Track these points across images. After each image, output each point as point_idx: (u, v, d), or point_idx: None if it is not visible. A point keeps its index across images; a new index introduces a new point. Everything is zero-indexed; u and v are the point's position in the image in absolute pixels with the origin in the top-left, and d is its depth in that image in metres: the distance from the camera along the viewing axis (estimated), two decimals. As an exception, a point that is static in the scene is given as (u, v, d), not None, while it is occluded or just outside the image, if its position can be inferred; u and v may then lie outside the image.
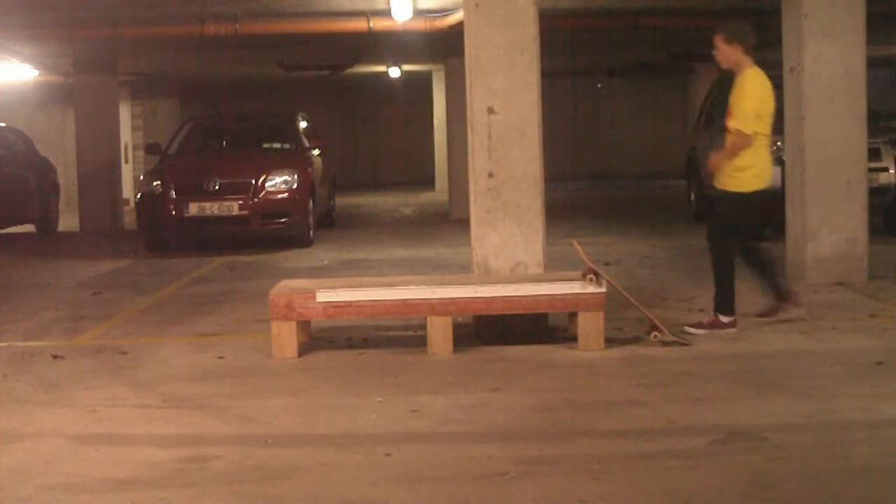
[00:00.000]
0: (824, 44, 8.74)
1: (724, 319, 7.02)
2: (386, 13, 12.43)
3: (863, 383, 5.72)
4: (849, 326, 7.17)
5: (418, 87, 23.94)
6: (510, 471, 4.42)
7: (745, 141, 6.84)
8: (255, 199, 12.64)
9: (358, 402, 5.64)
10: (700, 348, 6.64)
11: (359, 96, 26.38)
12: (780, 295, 7.23)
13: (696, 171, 14.67)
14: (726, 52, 7.04)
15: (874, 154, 10.61)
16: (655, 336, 6.69)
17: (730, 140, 6.92)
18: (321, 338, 7.23)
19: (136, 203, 13.95)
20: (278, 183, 12.77)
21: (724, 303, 7.04)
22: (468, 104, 7.28)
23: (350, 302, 6.76)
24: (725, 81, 14.08)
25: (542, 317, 7.03)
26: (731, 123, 6.91)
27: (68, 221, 17.31)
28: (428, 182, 23.58)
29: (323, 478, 4.45)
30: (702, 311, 7.88)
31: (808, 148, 8.80)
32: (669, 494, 4.11)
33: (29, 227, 16.20)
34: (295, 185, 12.83)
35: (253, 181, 12.71)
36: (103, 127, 16.63)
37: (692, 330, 6.98)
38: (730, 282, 7.07)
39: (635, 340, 6.88)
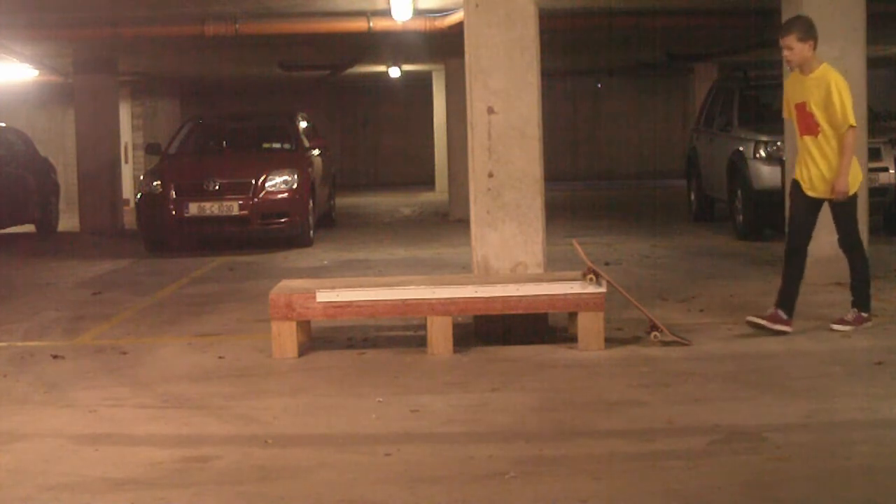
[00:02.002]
0: (824, 44, 8.70)
1: (865, 314, 7.12)
2: (386, 13, 12.42)
3: (863, 383, 5.72)
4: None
5: (418, 87, 23.94)
6: (510, 471, 4.42)
7: (852, 136, 6.84)
8: (255, 199, 12.64)
9: (358, 402, 5.64)
10: (700, 348, 6.64)
11: (359, 96, 26.38)
12: (787, 310, 6.99)
13: (696, 171, 14.69)
14: (801, 51, 6.90)
15: (874, 154, 10.61)
16: (655, 336, 6.69)
17: (847, 141, 6.81)
18: (321, 338, 7.23)
19: (136, 203, 13.94)
20: (278, 183, 12.78)
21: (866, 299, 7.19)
22: (468, 104, 7.28)
23: (350, 302, 6.76)
24: (730, 83, 14.19)
25: (542, 317, 7.03)
26: (844, 122, 6.78)
27: (68, 221, 17.31)
28: (428, 182, 23.58)
29: (323, 478, 4.45)
30: (701, 311, 7.88)
31: (808, 148, 8.77)
32: (669, 494, 4.11)
33: (29, 227, 16.20)
34: (295, 185, 12.83)
35: (253, 181, 12.71)
36: (103, 127, 16.63)
37: (838, 327, 7.05)
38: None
39: (635, 340, 6.88)
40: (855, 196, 7.05)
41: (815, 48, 6.91)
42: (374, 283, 7.36)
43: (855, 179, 6.97)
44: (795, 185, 7.15)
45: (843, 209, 7.06)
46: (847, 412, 5.22)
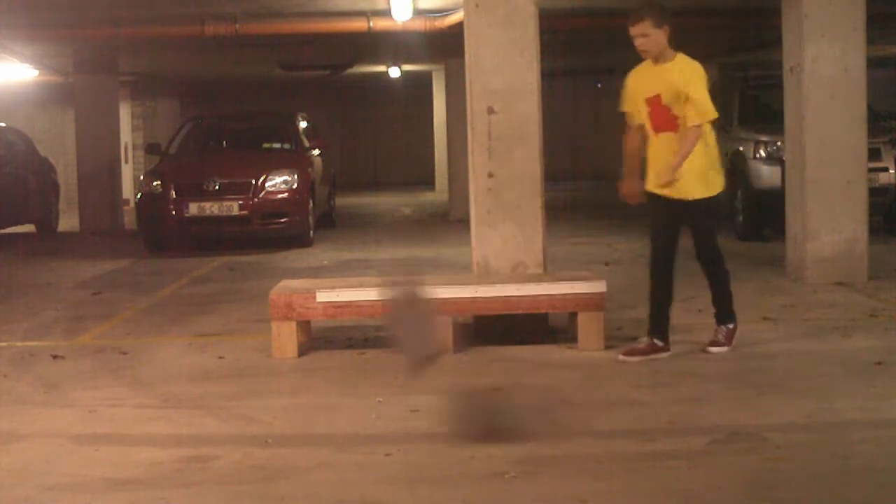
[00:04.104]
0: (824, 44, 8.74)
1: (732, 325, 6.57)
2: (386, 13, 12.42)
3: (863, 383, 5.72)
4: (849, 326, 7.17)
5: (418, 87, 23.93)
6: (510, 471, 4.42)
7: (699, 134, 6.15)
8: (255, 199, 12.64)
9: (358, 402, 5.64)
10: (700, 348, 6.63)
11: (359, 96, 26.37)
12: (662, 336, 6.39)
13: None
14: (658, 39, 6.19)
15: (874, 154, 10.62)
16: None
17: (693, 134, 6.12)
18: (321, 338, 7.22)
19: (136, 203, 13.95)
20: (278, 183, 12.78)
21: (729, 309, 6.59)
22: (468, 104, 7.28)
23: (350, 302, 6.76)
24: (730, 83, 14.18)
25: (542, 317, 7.03)
26: (705, 115, 6.11)
27: (68, 221, 17.31)
28: (428, 182, 23.57)
29: (323, 478, 4.45)
30: (701, 311, 7.88)
31: (808, 148, 8.80)
32: (669, 494, 4.11)
33: (29, 227, 16.19)
34: (295, 185, 12.83)
35: (253, 181, 12.72)
36: (103, 127, 16.62)
37: (715, 350, 6.47)
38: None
39: (635, 341, 6.87)
40: (713, 205, 6.34)
41: (669, 35, 6.21)
42: (374, 283, 7.36)
43: (714, 186, 6.27)
44: (651, 195, 6.36)
45: (700, 217, 6.33)
46: (847, 412, 5.21)
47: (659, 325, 6.38)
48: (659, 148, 6.27)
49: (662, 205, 6.30)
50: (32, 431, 5.26)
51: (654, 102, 6.23)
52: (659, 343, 6.35)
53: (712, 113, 6.13)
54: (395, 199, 21.83)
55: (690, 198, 6.23)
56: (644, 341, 6.40)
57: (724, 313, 6.55)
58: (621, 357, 6.32)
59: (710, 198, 6.30)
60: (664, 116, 6.20)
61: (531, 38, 7.17)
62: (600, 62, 22.00)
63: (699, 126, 6.11)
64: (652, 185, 6.31)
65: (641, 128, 6.36)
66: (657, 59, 6.24)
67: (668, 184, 6.18)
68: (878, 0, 9.39)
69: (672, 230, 6.35)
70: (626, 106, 6.46)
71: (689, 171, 6.16)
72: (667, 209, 6.29)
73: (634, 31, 6.19)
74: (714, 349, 6.46)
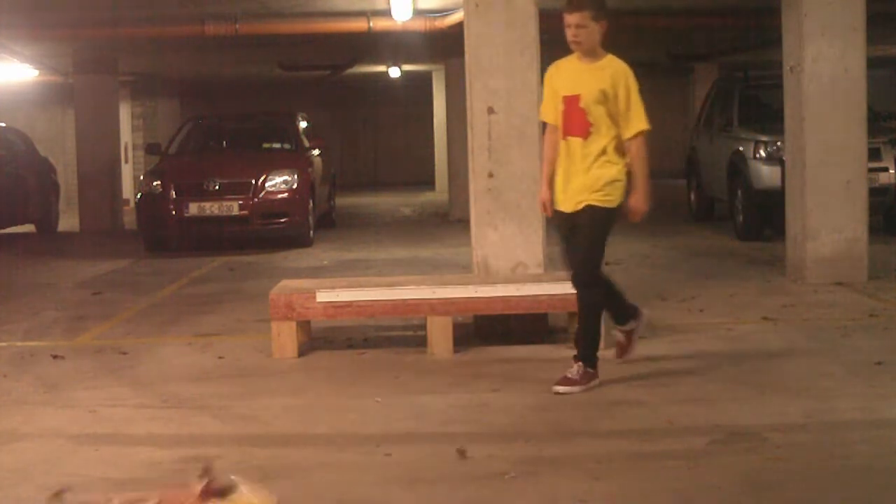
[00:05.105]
0: (824, 44, 8.74)
1: (592, 370, 5.73)
2: (386, 13, 12.43)
3: (863, 383, 5.71)
4: (849, 326, 7.16)
5: (418, 87, 23.93)
6: (510, 471, 4.42)
7: (644, 143, 5.64)
8: (255, 199, 12.65)
9: (358, 402, 5.64)
10: (700, 348, 6.64)
11: (359, 96, 26.37)
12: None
13: (696, 171, 14.70)
14: (594, 33, 5.60)
15: (874, 154, 10.62)
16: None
17: (640, 149, 5.62)
18: (321, 338, 7.23)
19: (136, 203, 13.95)
20: (278, 183, 12.78)
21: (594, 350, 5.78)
22: (468, 104, 7.28)
23: (350, 302, 6.76)
24: (729, 83, 14.19)
25: (542, 317, 7.03)
26: (636, 125, 5.59)
27: (68, 221, 17.31)
28: (428, 182, 23.58)
29: (323, 478, 4.45)
30: (701, 311, 7.89)
31: (808, 148, 8.80)
32: (669, 494, 4.11)
33: (29, 227, 16.20)
34: (295, 185, 12.84)
35: (253, 181, 12.72)
36: (103, 127, 16.63)
37: (563, 389, 5.61)
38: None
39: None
40: (612, 218, 5.67)
41: (604, 33, 5.64)
42: (374, 283, 7.36)
43: (616, 197, 5.62)
44: (558, 213, 5.77)
45: (592, 232, 5.63)
46: (847, 412, 5.21)
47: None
48: (565, 154, 5.63)
49: (567, 221, 5.70)
50: (32, 431, 5.25)
51: (571, 103, 5.61)
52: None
53: (647, 123, 5.62)
54: (395, 199, 21.83)
55: (588, 203, 5.59)
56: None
57: (588, 354, 5.72)
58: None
59: (611, 210, 5.63)
60: (577, 119, 5.58)
61: (531, 38, 7.18)
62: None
63: (640, 135, 5.61)
64: (568, 204, 5.67)
65: (555, 130, 5.74)
66: (586, 56, 5.64)
67: (640, 210, 5.64)
68: (878, 0, 9.39)
69: None
70: (545, 109, 5.81)
71: (598, 177, 5.58)
72: (569, 225, 5.70)
73: (572, 19, 5.60)
74: (561, 389, 5.61)
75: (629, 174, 5.65)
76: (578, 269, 5.67)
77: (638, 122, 5.59)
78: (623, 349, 6.15)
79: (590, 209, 5.58)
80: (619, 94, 5.55)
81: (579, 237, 5.64)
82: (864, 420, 5.09)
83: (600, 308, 5.79)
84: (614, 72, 5.58)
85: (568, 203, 5.65)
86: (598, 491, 4.17)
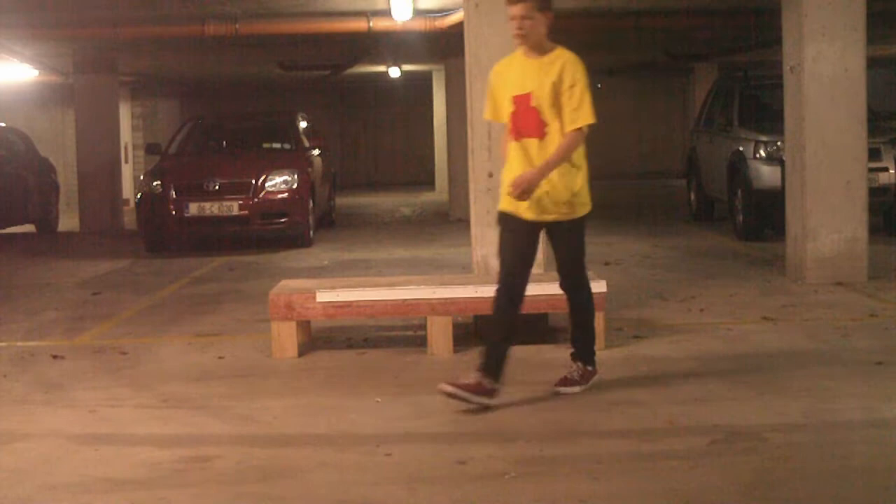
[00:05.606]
0: (824, 44, 8.74)
1: (591, 368, 5.73)
2: (386, 13, 12.43)
3: (863, 383, 5.71)
4: (849, 326, 7.17)
5: (418, 87, 23.93)
6: (510, 471, 4.42)
7: (581, 139, 5.31)
8: (255, 199, 12.65)
9: (358, 402, 5.64)
10: (700, 348, 6.64)
11: (359, 96, 26.38)
12: (494, 376, 5.39)
13: (696, 171, 14.70)
14: (540, 25, 5.33)
15: (874, 154, 10.62)
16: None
17: (571, 141, 5.24)
18: (321, 338, 7.23)
19: (136, 203, 13.95)
20: (278, 183, 12.78)
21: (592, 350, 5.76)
22: (468, 104, 7.29)
23: (350, 302, 6.76)
24: (730, 83, 14.20)
25: (542, 317, 7.03)
26: (582, 118, 5.24)
27: (68, 221, 17.31)
28: (428, 182, 23.58)
29: (323, 478, 4.45)
30: (701, 311, 7.89)
31: (808, 148, 8.80)
32: (669, 494, 4.11)
33: (29, 227, 16.19)
34: (295, 185, 12.84)
35: (253, 181, 12.72)
36: (103, 127, 16.63)
37: (564, 390, 5.63)
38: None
39: (635, 340, 6.88)
40: (586, 220, 5.49)
41: (550, 25, 5.38)
42: (374, 283, 7.36)
43: (585, 204, 5.44)
44: (504, 214, 5.43)
45: (571, 236, 5.46)
46: (847, 412, 5.21)
47: (492, 361, 5.39)
48: (519, 157, 5.35)
49: (522, 227, 5.38)
50: (32, 431, 5.25)
51: (522, 102, 5.31)
52: (487, 384, 5.34)
53: (593, 116, 5.26)
54: (394, 199, 21.83)
55: (566, 218, 5.36)
56: (473, 376, 5.36)
57: (586, 353, 5.70)
58: (447, 388, 5.29)
59: (585, 216, 5.45)
60: (530, 120, 5.30)
61: (531, 38, 7.16)
62: (600, 62, 22.00)
63: (581, 130, 5.25)
64: (507, 203, 5.37)
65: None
66: (533, 51, 5.35)
67: (526, 196, 5.24)
68: (878, 0, 9.39)
69: (530, 256, 5.44)
70: (491, 109, 5.52)
71: (566, 188, 5.32)
72: (526, 232, 5.40)
73: (516, 10, 5.27)
74: (562, 389, 5.63)
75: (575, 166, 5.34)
76: (567, 275, 5.57)
77: (584, 114, 5.25)
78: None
79: (566, 223, 5.39)
80: (566, 86, 5.24)
81: (561, 247, 5.48)
82: (864, 420, 5.09)
83: (591, 305, 5.72)
84: (563, 63, 5.28)
85: (531, 211, 5.34)
86: (598, 491, 4.17)
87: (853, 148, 8.82)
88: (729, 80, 14.70)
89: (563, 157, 5.24)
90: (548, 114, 5.26)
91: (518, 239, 5.38)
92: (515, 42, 5.39)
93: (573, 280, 5.59)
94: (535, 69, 5.31)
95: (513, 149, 5.39)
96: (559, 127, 5.27)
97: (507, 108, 5.38)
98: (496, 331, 5.45)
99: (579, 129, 5.24)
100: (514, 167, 5.36)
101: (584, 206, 5.42)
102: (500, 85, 5.45)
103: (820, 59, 8.75)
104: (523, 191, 5.20)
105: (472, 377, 5.34)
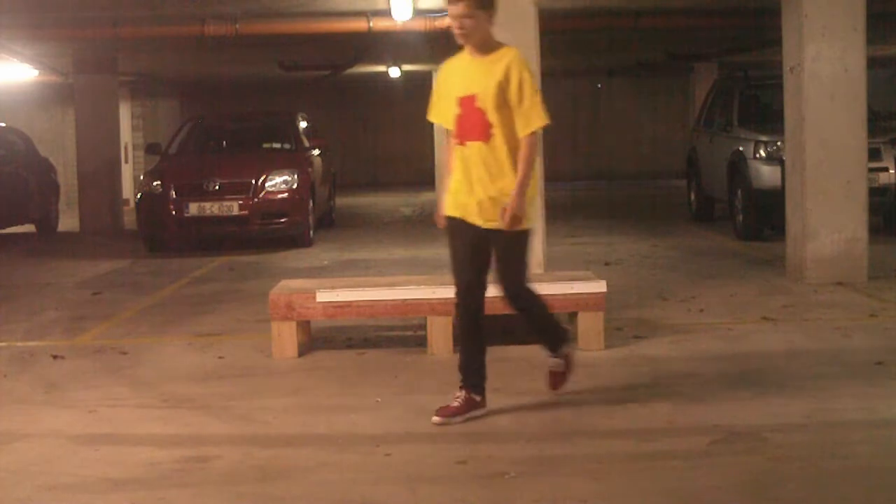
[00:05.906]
0: (824, 44, 8.74)
1: (567, 350, 5.57)
2: (386, 13, 12.42)
3: (863, 383, 5.71)
4: (849, 326, 7.17)
5: (418, 87, 23.92)
6: (510, 471, 4.42)
7: (537, 143, 5.18)
8: (255, 199, 12.64)
9: (358, 402, 5.64)
10: (700, 348, 6.64)
11: (359, 96, 26.37)
12: (478, 389, 5.29)
13: (696, 171, 14.70)
14: (482, 23, 5.10)
15: (874, 154, 10.62)
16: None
17: (529, 149, 5.05)
18: (321, 338, 7.23)
19: (136, 203, 13.94)
20: (278, 183, 12.78)
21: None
22: (468, 104, 7.27)
23: (350, 302, 6.76)
24: (730, 83, 14.20)
25: (542, 317, 7.01)
26: (533, 122, 5.05)
27: (68, 221, 17.31)
28: (428, 182, 23.56)
29: (323, 478, 4.45)
30: (701, 311, 7.89)
31: (808, 148, 8.80)
32: (669, 494, 4.11)
33: (29, 227, 16.19)
34: (295, 185, 12.84)
35: (253, 181, 12.72)
36: (103, 127, 16.62)
37: (563, 389, 5.56)
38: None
39: (635, 340, 6.88)
40: (530, 233, 5.23)
41: (493, 22, 5.15)
42: (374, 283, 7.36)
43: (533, 215, 5.24)
44: (452, 220, 5.22)
45: (513, 246, 5.17)
46: (847, 412, 5.22)
47: (474, 376, 5.27)
48: (464, 161, 5.14)
49: (471, 232, 5.18)
50: (32, 431, 5.26)
51: (467, 104, 5.12)
52: (476, 398, 5.26)
53: (546, 117, 5.09)
54: (394, 199, 21.83)
55: (513, 228, 5.08)
56: (460, 397, 5.24)
57: (554, 342, 5.51)
58: (436, 419, 5.15)
59: (528, 229, 5.21)
60: (476, 122, 5.09)
61: (531, 38, 7.19)
62: (600, 62, 22.02)
63: (535, 133, 5.09)
64: (483, 218, 5.14)
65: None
66: (477, 50, 5.15)
67: (518, 222, 5.06)
68: (878, 0, 9.39)
69: (483, 262, 5.22)
70: (436, 112, 5.41)
71: (501, 192, 5.10)
72: (476, 237, 5.18)
73: (456, 10, 5.07)
74: (563, 389, 5.57)
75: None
76: (509, 286, 5.25)
77: (535, 117, 5.05)
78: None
79: (508, 232, 5.09)
80: (513, 86, 5.03)
81: (502, 257, 5.19)
82: (864, 420, 5.09)
83: (540, 301, 5.42)
84: (509, 62, 5.06)
85: (479, 217, 5.13)
86: (598, 491, 4.17)
87: (853, 148, 8.82)
88: (729, 80, 14.70)
89: (530, 166, 5.06)
90: (493, 116, 5.06)
91: (460, 247, 5.21)
92: (459, 42, 5.21)
93: (513, 290, 5.27)
94: (480, 69, 5.12)
95: (457, 155, 5.19)
96: (505, 129, 5.06)
97: (452, 111, 5.20)
98: (466, 344, 5.29)
99: (534, 132, 5.08)
100: (458, 176, 5.17)
101: (527, 221, 5.14)
102: (445, 86, 5.30)
103: (820, 59, 8.75)
104: (512, 218, 5.02)
105: (458, 398, 5.22)
